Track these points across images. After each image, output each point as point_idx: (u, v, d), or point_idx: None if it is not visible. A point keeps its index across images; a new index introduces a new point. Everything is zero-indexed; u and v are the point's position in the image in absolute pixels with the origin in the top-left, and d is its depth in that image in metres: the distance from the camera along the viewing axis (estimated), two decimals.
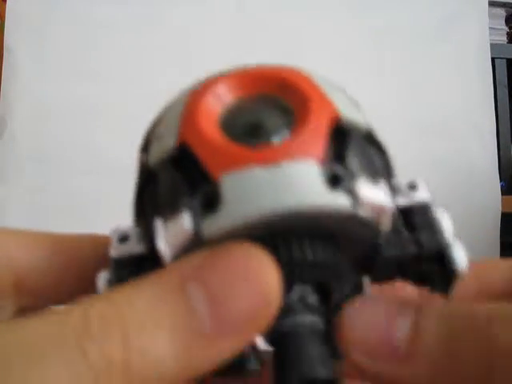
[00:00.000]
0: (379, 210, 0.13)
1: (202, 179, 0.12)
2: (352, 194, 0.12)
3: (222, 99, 0.14)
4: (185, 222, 0.12)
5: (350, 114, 0.14)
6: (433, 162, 0.87)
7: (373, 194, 0.13)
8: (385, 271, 0.15)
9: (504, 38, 1.02)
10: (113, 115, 0.79)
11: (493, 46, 0.93)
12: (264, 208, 0.12)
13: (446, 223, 0.15)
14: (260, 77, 0.14)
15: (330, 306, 0.14)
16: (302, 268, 0.13)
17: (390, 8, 0.90)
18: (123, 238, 0.14)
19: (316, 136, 0.13)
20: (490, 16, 0.94)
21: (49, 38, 0.80)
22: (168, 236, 0.12)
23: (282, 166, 0.12)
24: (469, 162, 0.89)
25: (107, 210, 0.74)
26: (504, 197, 0.90)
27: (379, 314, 0.13)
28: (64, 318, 0.11)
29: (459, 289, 0.16)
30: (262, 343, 0.15)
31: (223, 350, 0.11)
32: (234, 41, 0.84)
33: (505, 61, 0.97)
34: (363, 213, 0.13)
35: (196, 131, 0.13)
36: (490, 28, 0.94)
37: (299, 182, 0.12)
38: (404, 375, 0.12)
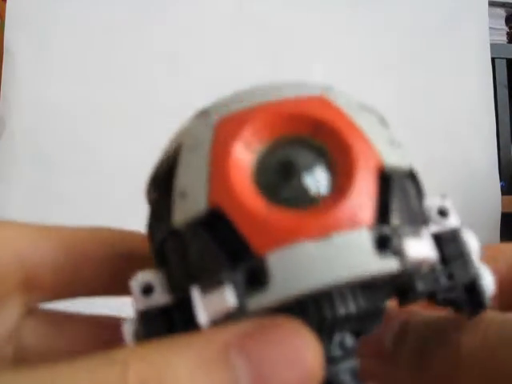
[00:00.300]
0: (424, 262, 0.13)
1: (245, 253, 0.12)
2: (400, 255, 0.12)
3: (252, 146, 0.13)
4: (228, 297, 0.11)
5: (392, 157, 0.13)
6: (433, 162, 0.86)
7: (419, 251, 0.13)
8: (415, 300, 0.15)
9: (504, 38, 1.02)
10: (113, 115, 0.79)
11: (493, 46, 0.93)
12: (314, 283, 0.11)
13: (474, 247, 0.15)
14: (291, 115, 0.13)
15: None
16: (346, 321, 0.13)
17: (389, 8, 0.90)
18: (147, 290, 0.13)
19: (366, 197, 0.12)
20: (490, 16, 0.94)
21: (49, 38, 0.80)
22: (208, 308, 0.12)
23: (332, 238, 0.12)
24: (469, 162, 0.89)
25: (107, 209, 0.74)
26: (504, 197, 0.90)
27: None
28: (101, 377, 0.10)
29: None
30: None
31: None
32: (234, 41, 0.84)
33: (505, 61, 0.97)
34: (410, 268, 0.12)
35: (230, 193, 0.12)
36: (490, 28, 0.94)
37: (351, 253, 0.12)
38: (392, 372, 0.14)
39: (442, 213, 0.15)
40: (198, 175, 0.12)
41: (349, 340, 0.14)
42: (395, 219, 0.13)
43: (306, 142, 0.13)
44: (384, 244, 0.12)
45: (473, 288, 0.14)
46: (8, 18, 0.80)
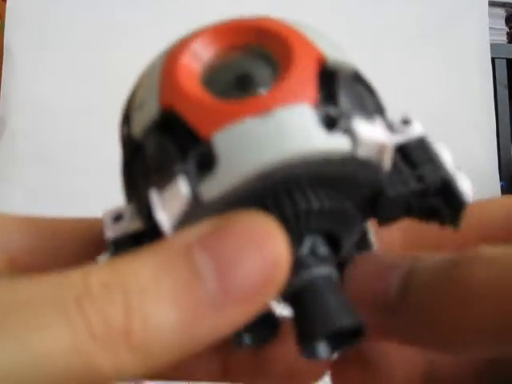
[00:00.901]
0: (379, 147, 0.13)
1: (193, 141, 0.12)
2: (350, 133, 0.12)
3: (200, 56, 0.13)
4: (181, 187, 0.11)
5: (335, 55, 0.13)
6: None
7: (371, 132, 0.12)
8: (390, 212, 0.14)
9: (504, 38, 1.02)
10: (113, 115, 0.78)
11: (493, 46, 0.93)
12: (263, 160, 0.11)
13: (446, 155, 0.14)
14: (237, 28, 0.14)
15: (341, 255, 0.14)
16: (310, 218, 0.12)
17: (389, 8, 0.90)
18: (117, 218, 0.13)
19: (304, 79, 0.12)
20: (490, 16, 0.94)
21: (49, 38, 0.80)
22: (166, 205, 0.12)
23: (274, 113, 0.12)
24: (469, 162, 0.89)
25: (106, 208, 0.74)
26: (504, 197, 0.90)
27: (375, 267, 0.13)
28: (64, 280, 0.10)
29: (460, 231, 0.16)
30: (276, 307, 0.14)
31: (233, 318, 0.11)
32: None
33: (505, 61, 0.97)
34: (363, 152, 0.12)
35: (179, 92, 0.12)
36: (490, 28, 0.94)
37: (295, 128, 0.12)
38: (395, 326, 0.13)
39: (405, 121, 0.14)
40: (150, 88, 0.13)
41: (322, 248, 0.13)
42: (343, 103, 0.12)
43: (253, 49, 0.13)
44: (331, 123, 0.12)
45: (448, 190, 0.14)
46: (8, 18, 0.80)
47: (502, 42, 1.01)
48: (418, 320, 0.12)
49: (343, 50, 0.14)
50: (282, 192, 0.12)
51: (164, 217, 0.12)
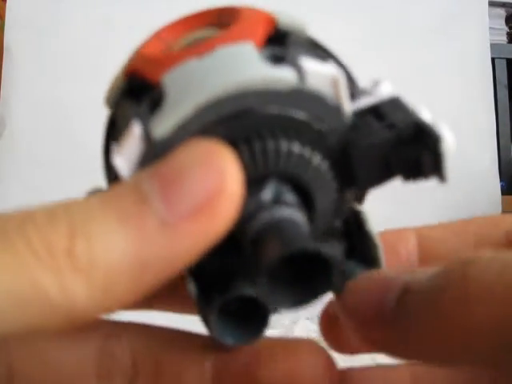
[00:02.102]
0: (330, 80, 0.12)
1: (146, 89, 0.12)
2: (295, 67, 0.12)
3: (165, 39, 0.14)
4: (134, 128, 0.12)
5: (288, 21, 0.13)
6: None
7: (318, 66, 0.12)
8: (368, 171, 0.13)
9: (504, 38, 1.02)
10: None
11: (493, 46, 0.93)
12: (205, 91, 0.11)
13: (423, 110, 0.13)
14: (201, 13, 0.14)
15: (316, 216, 0.13)
16: (277, 158, 0.12)
17: (390, 8, 0.90)
18: (95, 191, 0.13)
19: (249, 27, 0.12)
20: (490, 16, 0.94)
21: (49, 38, 0.80)
22: (122, 150, 0.12)
23: (216, 51, 0.12)
24: (469, 162, 0.89)
25: None
26: (504, 197, 0.90)
27: (373, 281, 0.13)
28: (6, 213, 0.10)
29: (454, 254, 0.16)
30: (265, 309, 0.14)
31: (186, 240, 0.10)
32: None
33: (505, 61, 0.97)
34: (312, 84, 0.12)
35: (139, 58, 0.13)
36: (490, 28, 0.94)
37: (235, 61, 0.12)
38: (392, 338, 0.13)
39: (375, 83, 0.14)
40: (120, 69, 0.14)
41: (287, 195, 0.13)
42: (292, 48, 0.12)
43: (211, 24, 0.14)
44: (277, 60, 0.12)
45: (422, 132, 0.13)
46: (8, 18, 0.80)
47: (502, 42, 1.01)
48: (416, 332, 0.12)
49: (303, 23, 0.14)
50: (252, 133, 0.12)
51: (121, 161, 0.12)
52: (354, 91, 0.13)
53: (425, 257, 0.17)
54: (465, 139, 0.89)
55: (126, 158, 0.12)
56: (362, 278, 0.14)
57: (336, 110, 0.12)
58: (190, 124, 0.11)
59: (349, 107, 0.13)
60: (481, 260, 0.11)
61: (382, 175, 0.13)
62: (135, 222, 0.10)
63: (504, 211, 0.89)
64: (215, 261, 0.12)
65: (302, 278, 0.12)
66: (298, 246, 0.11)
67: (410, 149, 0.13)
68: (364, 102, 0.13)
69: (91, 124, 0.78)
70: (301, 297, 0.12)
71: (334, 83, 0.12)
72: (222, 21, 0.14)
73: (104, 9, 0.81)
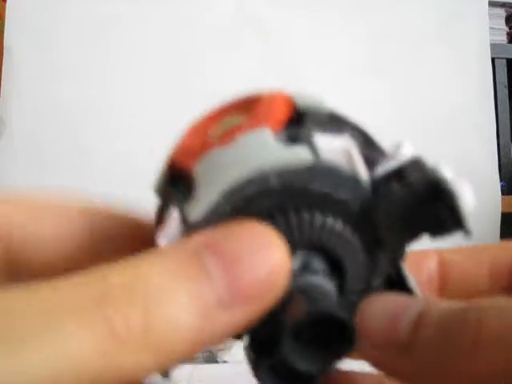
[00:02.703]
0: (343, 153, 0.13)
1: (182, 178, 0.14)
2: (310, 145, 0.13)
3: (201, 130, 0.15)
4: (172, 213, 0.13)
5: (307, 100, 0.14)
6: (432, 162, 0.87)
7: (331, 141, 0.13)
8: (394, 235, 0.14)
9: (504, 38, 1.02)
10: (113, 115, 0.79)
11: (493, 46, 0.93)
12: (228, 178, 0.12)
13: (443, 167, 0.14)
14: (231, 102, 0.16)
15: (347, 287, 0.14)
16: (312, 230, 0.13)
17: (390, 8, 0.90)
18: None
19: (268, 111, 0.14)
20: (490, 16, 0.94)
21: (49, 37, 0.80)
22: (165, 232, 0.13)
23: (237, 140, 0.13)
24: (469, 162, 0.89)
25: None
26: (504, 197, 0.90)
27: (388, 306, 0.14)
28: (83, 282, 0.11)
29: (470, 276, 0.17)
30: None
31: (239, 318, 0.12)
32: (233, 40, 0.84)
33: (505, 61, 0.97)
34: (326, 158, 0.13)
35: (177, 150, 0.15)
36: (490, 28, 0.94)
37: (254, 146, 0.13)
38: (405, 365, 0.13)
39: (396, 146, 0.14)
40: (166, 158, 0.15)
41: (315, 263, 0.14)
42: (308, 125, 0.14)
43: (241, 109, 0.15)
44: (293, 140, 0.13)
45: (438, 190, 0.13)
46: (8, 18, 0.80)
47: (502, 42, 1.01)
48: (428, 362, 0.12)
49: (319, 100, 0.15)
50: (278, 210, 0.13)
51: (163, 240, 0.13)
52: (375, 155, 0.14)
53: (444, 277, 0.19)
54: (465, 139, 0.89)
55: (168, 239, 0.13)
56: (375, 302, 0.14)
57: (353, 179, 0.13)
58: (220, 206, 0.13)
59: (365, 174, 0.13)
60: (494, 308, 0.12)
61: (407, 235, 0.14)
62: (200, 301, 0.11)
63: (504, 211, 0.89)
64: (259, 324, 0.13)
65: (326, 341, 0.13)
66: (322, 310, 0.12)
67: (430, 208, 0.13)
68: (385, 167, 0.14)
69: (91, 124, 0.79)
70: (324, 358, 0.13)
71: (347, 155, 0.13)
72: (248, 107, 0.15)
73: (104, 9, 0.81)
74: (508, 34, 1.03)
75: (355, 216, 0.14)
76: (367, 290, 0.15)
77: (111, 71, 0.80)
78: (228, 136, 0.13)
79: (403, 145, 0.14)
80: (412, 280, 0.15)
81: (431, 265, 0.19)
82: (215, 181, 0.13)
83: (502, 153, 0.93)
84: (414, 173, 0.14)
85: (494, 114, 0.92)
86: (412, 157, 0.14)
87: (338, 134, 0.13)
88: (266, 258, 0.12)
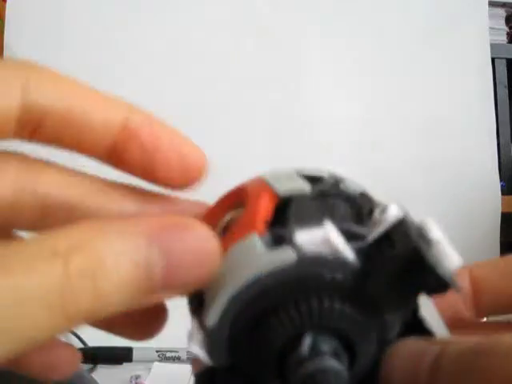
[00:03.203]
0: (323, 241, 0.14)
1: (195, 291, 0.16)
2: (292, 243, 0.14)
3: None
4: (193, 326, 0.15)
5: (287, 186, 0.16)
6: (433, 163, 0.87)
7: (311, 234, 0.14)
8: (391, 300, 0.14)
9: (504, 38, 1.02)
10: None
11: (493, 46, 0.93)
12: (229, 287, 0.14)
13: (430, 226, 0.14)
14: (227, 197, 0.18)
15: (359, 351, 0.15)
16: (321, 316, 0.14)
17: (390, 8, 0.90)
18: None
19: (253, 215, 0.15)
20: (490, 16, 0.94)
21: (49, 38, 0.80)
22: (194, 340, 0.15)
23: (229, 252, 0.15)
24: (469, 162, 0.89)
25: None
26: (504, 197, 0.90)
27: (408, 353, 0.14)
28: (48, 275, 0.12)
29: (503, 293, 0.17)
30: None
31: (162, 297, 0.14)
32: (233, 40, 0.84)
33: (505, 61, 0.97)
34: (310, 252, 0.14)
35: None
36: (490, 28, 0.94)
37: (245, 257, 0.14)
38: None
39: (382, 211, 0.15)
40: None
41: (323, 345, 0.14)
42: (291, 222, 0.15)
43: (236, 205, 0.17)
44: (279, 241, 0.15)
45: (419, 259, 0.14)
46: (8, 18, 0.80)
47: (502, 42, 1.01)
48: None
49: (301, 188, 0.16)
50: (280, 304, 0.15)
51: (195, 347, 0.15)
52: (363, 224, 0.15)
53: (477, 294, 0.19)
54: (465, 139, 0.89)
55: (197, 344, 0.15)
56: (399, 350, 0.15)
57: (337, 260, 0.14)
58: (227, 312, 0.14)
59: (349, 252, 0.14)
60: (501, 348, 0.12)
61: (404, 298, 0.15)
62: (136, 287, 0.13)
63: (504, 211, 0.89)
64: None
65: None
66: None
67: (417, 274, 0.14)
68: (373, 235, 0.15)
69: None
70: None
71: (327, 242, 0.14)
72: (238, 203, 0.17)
73: (105, 9, 0.81)
74: (508, 33, 1.03)
75: (351, 291, 0.14)
76: (385, 343, 0.15)
77: (111, 71, 0.80)
78: (222, 246, 0.15)
79: (389, 208, 0.15)
80: (431, 319, 0.16)
81: (463, 284, 0.19)
82: (218, 292, 0.14)
83: (502, 153, 0.93)
84: (400, 238, 0.14)
85: (494, 114, 0.92)
86: (397, 220, 0.15)
87: (317, 225, 0.14)
88: (199, 258, 0.14)
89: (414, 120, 0.87)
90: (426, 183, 0.86)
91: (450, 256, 0.14)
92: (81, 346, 0.66)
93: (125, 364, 0.65)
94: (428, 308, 0.16)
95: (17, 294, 0.12)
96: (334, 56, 0.87)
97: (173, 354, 0.64)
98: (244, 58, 0.84)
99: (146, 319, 0.18)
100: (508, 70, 0.97)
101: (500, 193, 0.89)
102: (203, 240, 0.14)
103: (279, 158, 0.82)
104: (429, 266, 0.14)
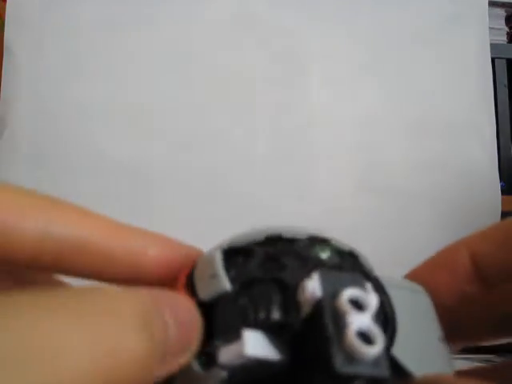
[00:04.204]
0: (244, 357, 0.14)
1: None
2: (215, 362, 0.14)
3: None
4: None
5: (206, 290, 0.16)
6: (433, 162, 0.87)
7: (230, 351, 0.14)
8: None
9: (504, 38, 1.02)
10: (113, 115, 0.79)
11: (493, 46, 0.93)
12: None
13: (349, 311, 0.13)
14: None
15: None
16: None
17: (389, 8, 0.90)
18: None
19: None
20: (490, 16, 0.94)
21: (49, 38, 0.80)
22: None
23: (175, 378, 0.14)
24: (469, 162, 0.89)
25: (107, 210, 0.74)
26: (504, 197, 0.90)
27: None
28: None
29: (457, 273, 0.17)
30: None
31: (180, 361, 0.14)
32: (233, 40, 0.84)
33: (505, 61, 0.97)
34: (235, 367, 0.14)
35: None
36: (490, 28, 0.94)
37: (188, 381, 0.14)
38: None
39: (302, 291, 0.14)
40: None
41: None
42: (214, 336, 0.15)
43: None
44: (209, 362, 0.14)
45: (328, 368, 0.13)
46: (8, 18, 0.80)
47: (501, 42, 1.01)
48: None
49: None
50: None
51: None
52: (289, 304, 0.14)
53: (479, 269, 0.19)
54: (465, 139, 0.89)
55: None
56: None
57: (262, 364, 0.14)
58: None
59: (274, 354, 0.14)
60: None
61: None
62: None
63: (504, 211, 0.89)
64: None
65: None
66: None
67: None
68: (297, 322, 0.14)
69: (91, 124, 0.79)
70: None
71: (244, 355, 0.14)
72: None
73: (105, 9, 0.81)
74: (508, 33, 1.03)
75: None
76: None
77: (111, 71, 0.80)
78: None
79: (306, 286, 0.14)
80: (410, 352, 0.15)
81: (464, 260, 0.19)
82: None
83: (501, 153, 0.93)
84: (313, 334, 0.14)
85: (494, 114, 0.92)
86: (313, 308, 0.14)
87: (235, 337, 0.14)
88: (190, 325, 0.14)
89: (413, 120, 0.87)
90: (426, 183, 0.86)
91: (365, 351, 0.12)
92: None
93: None
94: (413, 335, 0.15)
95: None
96: (332, 57, 0.87)
97: None
98: (243, 59, 0.84)
99: None
100: (508, 69, 0.97)
101: (500, 193, 0.89)
102: (189, 310, 0.14)
103: (279, 158, 0.82)
104: (338, 371, 0.12)
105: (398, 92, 0.88)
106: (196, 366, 0.15)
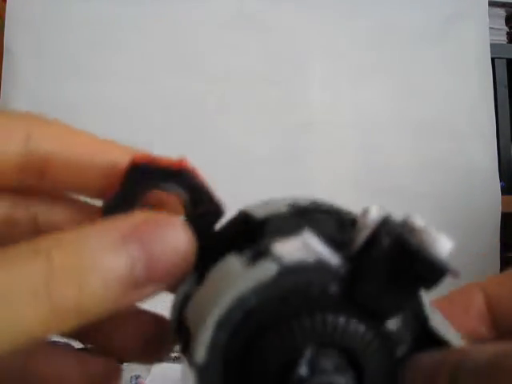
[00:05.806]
0: (303, 248, 0.13)
1: (182, 327, 0.16)
2: (271, 255, 0.13)
3: None
4: (185, 363, 0.15)
5: (261, 211, 0.16)
6: (433, 162, 0.87)
7: (290, 243, 0.14)
8: (387, 302, 0.14)
9: (504, 38, 1.02)
10: (113, 115, 0.79)
11: (493, 46, 0.93)
12: (214, 313, 0.13)
13: (412, 220, 0.14)
14: None
15: (365, 363, 0.14)
16: (301, 336, 0.14)
17: (390, 8, 0.90)
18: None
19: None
20: (490, 16, 0.94)
21: (49, 38, 0.80)
22: (188, 380, 0.15)
23: (206, 277, 0.15)
24: (469, 162, 0.89)
25: None
26: (504, 197, 0.90)
27: (425, 367, 0.14)
28: (30, 268, 0.13)
29: (471, 312, 0.17)
30: None
31: (147, 293, 0.14)
32: (234, 40, 0.84)
33: (505, 61, 0.97)
34: (290, 262, 0.13)
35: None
36: (490, 28, 0.94)
37: (225, 278, 0.14)
38: None
39: (363, 214, 0.15)
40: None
41: (325, 361, 0.14)
42: (265, 235, 0.15)
43: None
44: (254, 257, 0.14)
45: (403, 248, 0.13)
46: (8, 17, 0.80)
47: (502, 42, 1.01)
48: None
49: (277, 208, 0.16)
50: (269, 323, 0.14)
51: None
52: (345, 231, 0.15)
53: (493, 312, 0.19)
54: (465, 139, 0.89)
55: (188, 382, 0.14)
56: (415, 365, 0.14)
57: (322, 265, 0.14)
58: (216, 340, 0.14)
59: (333, 256, 0.14)
60: None
61: (400, 296, 0.14)
62: (121, 285, 0.14)
63: (504, 211, 0.89)
64: None
65: None
66: None
67: (409, 268, 0.13)
68: (358, 240, 0.14)
69: (91, 124, 0.79)
70: None
71: (307, 248, 0.14)
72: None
73: (105, 9, 0.81)
74: (508, 33, 1.03)
75: (342, 300, 0.14)
76: (395, 357, 0.14)
77: (111, 71, 0.80)
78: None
79: (369, 210, 0.14)
80: (442, 328, 0.15)
81: (478, 302, 0.19)
82: (202, 322, 0.14)
83: (502, 153, 0.93)
84: (385, 237, 0.14)
85: (494, 114, 0.92)
86: (380, 220, 0.14)
87: (295, 234, 0.14)
88: (175, 251, 0.14)
89: (413, 120, 0.87)
90: (426, 183, 0.86)
91: (438, 240, 0.13)
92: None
93: (125, 364, 0.65)
94: (437, 318, 0.15)
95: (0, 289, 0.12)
96: (333, 56, 0.87)
97: (173, 354, 0.64)
98: (244, 58, 0.84)
99: (153, 345, 0.19)
100: (508, 69, 0.97)
101: (500, 193, 0.90)
102: (180, 232, 0.15)
103: (279, 158, 0.82)
104: (416, 252, 0.13)
105: (397, 92, 0.88)
106: (236, 264, 0.14)
